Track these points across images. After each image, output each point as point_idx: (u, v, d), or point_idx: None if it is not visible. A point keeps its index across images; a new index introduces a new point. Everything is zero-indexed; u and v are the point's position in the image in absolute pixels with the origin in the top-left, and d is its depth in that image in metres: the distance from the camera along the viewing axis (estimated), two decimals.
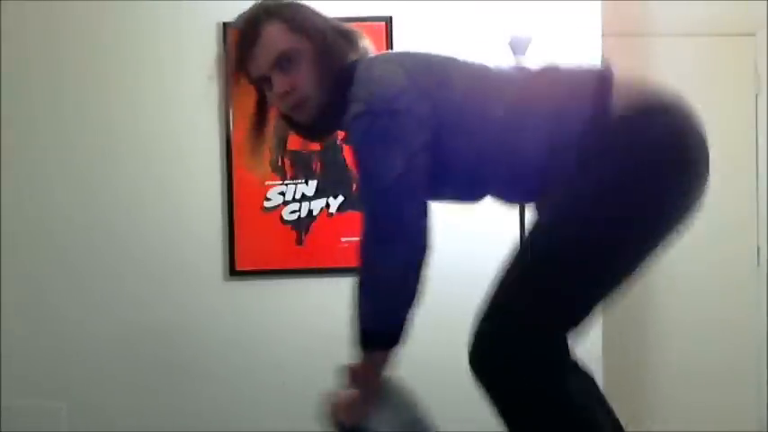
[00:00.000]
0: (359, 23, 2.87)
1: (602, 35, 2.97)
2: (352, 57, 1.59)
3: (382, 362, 1.54)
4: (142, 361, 2.98)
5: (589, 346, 2.83)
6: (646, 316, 3.45)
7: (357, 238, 2.91)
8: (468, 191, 1.65)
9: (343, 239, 2.96)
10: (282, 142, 3.01)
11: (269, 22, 1.56)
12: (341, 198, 2.95)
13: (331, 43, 1.58)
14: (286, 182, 2.96)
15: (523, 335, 1.42)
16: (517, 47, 2.75)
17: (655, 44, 3.47)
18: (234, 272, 2.97)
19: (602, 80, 1.48)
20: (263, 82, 1.60)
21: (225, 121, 2.97)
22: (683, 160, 1.43)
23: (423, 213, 1.49)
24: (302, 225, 2.97)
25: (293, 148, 2.92)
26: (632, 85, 1.48)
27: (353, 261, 2.90)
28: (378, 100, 1.48)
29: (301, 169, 2.95)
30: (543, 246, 1.45)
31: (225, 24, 2.95)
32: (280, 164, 2.96)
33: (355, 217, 2.95)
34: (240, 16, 1.61)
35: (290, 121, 1.67)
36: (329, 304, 2.98)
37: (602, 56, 2.78)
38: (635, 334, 3.45)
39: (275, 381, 2.97)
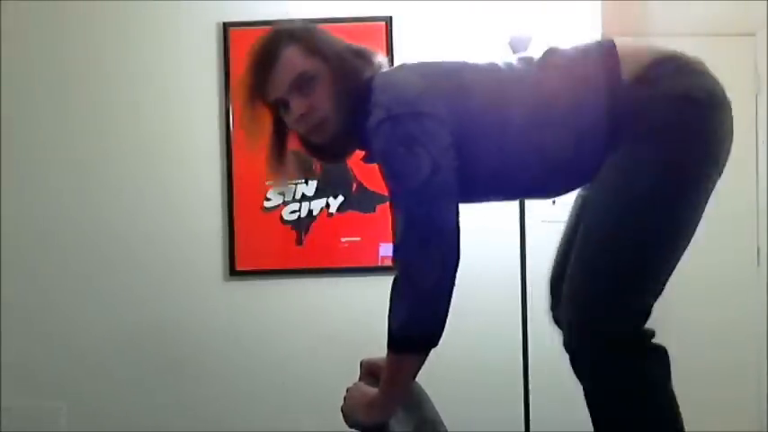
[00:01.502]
0: (359, 23, 2.91)
1: (602, 35, 2.96)
2: (368, 74, 1.60)
3: (416, 365, 1.53)
4: (142, 361, 2.97)
5: None
6: None
7: (357, 238, 2.94)
8: (500, 191, 1.67)
9: (343, 239, 2.96)
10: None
11: (286, 46, 1.59)
12: (341, 198, 2.95)
13: (347, 63, 1.60)
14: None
15: (623, 318, 1.47)
16: (517, 47, 2.75)
17: (655, 44, 3.47)
18: (234, 272, 2.97)
19: (605, 49, 1.53)
20: (280, 105, 1.62)
21: (225, 121, 2.97)
22: (706, 97, 1.49)
23: (455, 214, 1.49)
24: (302, 225, 2.97)
25: (293, 149, 2.92)
26: (634, 48, 1.54)
27: (353, 261, 2.95)
28: (399, 104, 1.49)
29: (301, 169, 2.95)
30: (619, 226, 1.47)
31: (225, 24, 2.96)
32: None
33: (355, 217, 2.95)
34: (257, 40, 1.63)
35: (307, 144, 1.69)
36: (329, 304, 2.98)
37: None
38: None
39: (275, 380, 2.97)
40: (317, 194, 2.96)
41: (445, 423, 1.76)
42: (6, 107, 2.98)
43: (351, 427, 1.59)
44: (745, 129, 3.49)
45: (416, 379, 1.63)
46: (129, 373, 2.98)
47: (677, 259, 1.52)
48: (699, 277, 3.44)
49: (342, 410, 1.61)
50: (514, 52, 2.75)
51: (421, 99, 1.49)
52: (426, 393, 1.74)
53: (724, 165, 1.51)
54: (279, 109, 1.63)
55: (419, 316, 1.48)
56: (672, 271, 1.52)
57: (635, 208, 1.45)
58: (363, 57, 1.65)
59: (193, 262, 2.99)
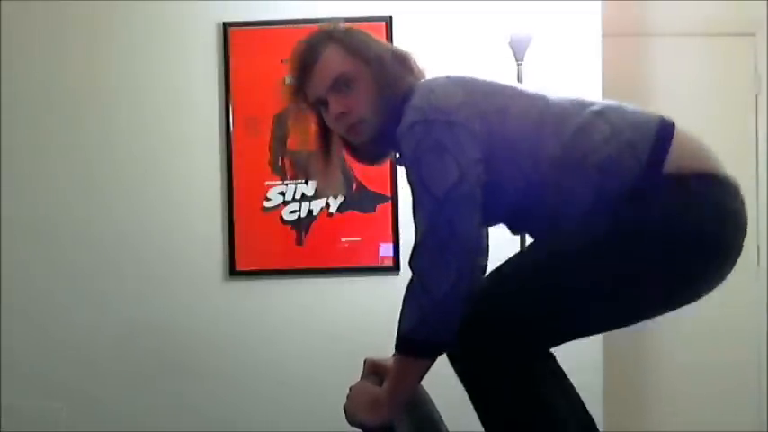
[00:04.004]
0: (359, 23, 2.90)
1: (603, 35, 2.97)
2: (409, 80, 1.62)
3: (423, 369, 1.53)
4: (142, 361, 2.98)
5: (589, 345, 2.84)
6: None
7: (357, 238, 2.94)
8: (510, 222, 1.66)
9: (343, 239, 2.96)
10: (282, 142, 3.04)
11: (328, 46, 1.61)
12: (341, 198, 2.95)
13: (388, 67, 1.62)
14: (286, 182, 2.96)
15: (501, 334, 1.44)
16: (517, 47, 2.75)
17: (655, 44, 3.47)
18: (234, 272, 2.97)
19: (661, 134, 1.47)
20: (321, 104, 1.63)
21: (225, 121, 2.97)
22: (719, 239, 1.47)
23: (478, 224, 1.48)
24: (302, 225, 2.97)
25: (293, 149, 2.93)
26: (689, 144, 1.48)
27: (353, 261, 2.95)
28: (434, 110, 1.49)
29: (301, 169, 2.95)
30: (555, 257, 1.46)
31: (225, 24, 2.96)
32: (280, 164, 2.96)
33: (355, 217, 2.95)
34: (301, 40, 1.65)
35: (346, 144, 1.71)
36: (329, 304, 2.98)
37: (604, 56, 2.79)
38: (635, 334, 3.44)
39: (275, 380, 2.97)
40: (317, 194, 2.96)
41: (446, 423, 1.76)
42: (6, 107, 2.98)
43: (353, 425, 1.59)
44: (745, 129, 3.49)
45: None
46: (129, 374, 2.98)
47: (583, 327, 1.51)
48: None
49: (344, 409, 1.60)
50: (514, 52, 2.75)
51: (457, 110, 1.49)
52: (427, 393, 1.74)
53: (691, 298, 1.52)
54: (320, 109, 1.64)
55: (429, 322, 1.47)
56: (583, 332, 1.52)
57: (587, 263, 1.43)
58: (405, 62, 1.66)
59: (193, 262, 2.98)
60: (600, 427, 1.59)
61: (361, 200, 2.95)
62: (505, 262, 1.53)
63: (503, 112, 1.52)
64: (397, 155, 1.64)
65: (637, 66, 3.45)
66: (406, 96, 1.55)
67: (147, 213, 2.99)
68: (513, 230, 1.71)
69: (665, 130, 1.47)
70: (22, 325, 2.98)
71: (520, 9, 2.72)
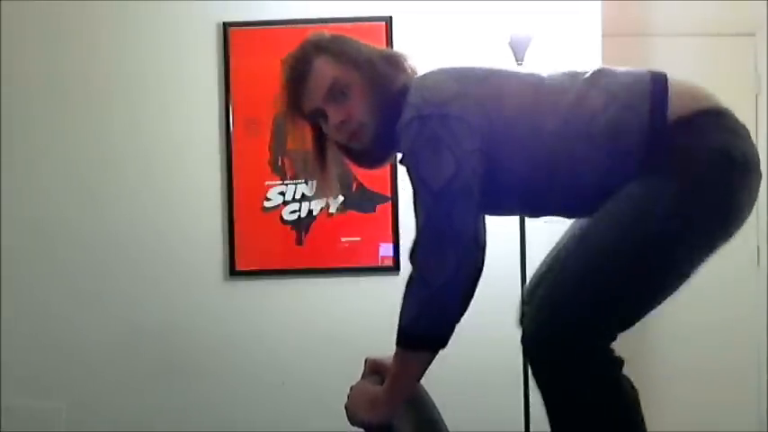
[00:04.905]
0: (359, 23, 2.91)
1: (602, 35, 2.97)
2: (402, 79, 1.62)
3: (423, 364, 1.53)
4: (142, 361, 2.98)
5: None
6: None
7: (357, 238, 2.94)
8: (527, 206, 1.67)
9: (343, 239, 2.96)
10: (282, 142, 3.04)
11: (319, 57, 1.61)
12: (341, 198, 2.95)
13: (379, 69, 1.62)
14: (286, 182, 2.96)
15: (582, 333, 1.48)
16: (517, 47, 2.75)
17: (655, 44, 3.47)
18: (234, 272, 2.97)
19: (657, 84, 1.50)
20: (318, 115, 1.63)
21: (225, 122, 2.97)
22: (743, 158, 1.47)
23: (476, 217, 1.49)
24: (302, 225, 2.97)
25: (293, 148, 2.92)
26: (684, 89, 1.51)
27: (353, 261, 2.95)
28: (428, 105, 1.50)
29: (300, 169, 2.95)
30: (612, 244, 1.46)
31: (225, 24, 2.96)
32: (280, 164, 2.96)
33: (355, 217, 2.95)
34: (289, 55, 1.65)
35: (347, 151, 1.71)
36: (329, 304, 2.98)
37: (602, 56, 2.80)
38: (634, 334, 3.44)
39: (275, 380, 2.97)
40: (318, 194, 2.95)
41: (446, 423, 1.76)
42: (5, 108, 2.98)
43: (353, 425, 1.59)
44: None
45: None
46: (129, 374, 2.98)
47: (655, 302, 1.54)
48: (699, 277, 3.44)
49: (345, 408, 1.60)
50: (514, 52, 2.75)
51: (452, 102, 1.50)
52: (428, 393, 1.74)
53: (736, 230, 1.50)
54: (317, 120, 1.64)
55: (428, 315, 1.48)
56: (646, 312, 1.56)
57: (641, 232, 1.44)
58: (395, 62, 1.66)
59: (193, 262, 2.98)
60: None
61: (360, 200, 2.95)
62: (556, 267, 1.56)
63: (498, 96, 1.53)
64: (399, 156, 1.64)
65: (637, 66, 3.43)
66: (401, 95, 1.55)
67: (148, 213, 2.99)
68: (535, 216, 1.71)
69: (658, 84, 1.50)
70: (22, 325, 2.97)
71: (520, 9, 2.72)
